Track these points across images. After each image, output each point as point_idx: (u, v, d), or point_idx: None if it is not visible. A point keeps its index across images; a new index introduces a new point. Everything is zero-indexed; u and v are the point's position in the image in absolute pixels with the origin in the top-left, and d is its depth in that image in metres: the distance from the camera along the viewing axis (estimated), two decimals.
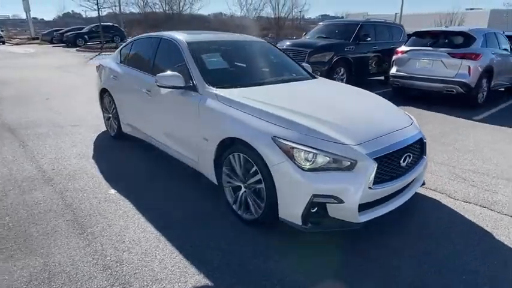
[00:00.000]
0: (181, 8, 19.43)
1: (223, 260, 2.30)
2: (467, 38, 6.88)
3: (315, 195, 2.23)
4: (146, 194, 3.21)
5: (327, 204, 2.27)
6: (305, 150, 2.27)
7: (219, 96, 2.89)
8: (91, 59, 17.45)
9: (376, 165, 2.30)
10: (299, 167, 2.26)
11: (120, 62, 4.47)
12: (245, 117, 2.59)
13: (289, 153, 2.29)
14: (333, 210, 2.29)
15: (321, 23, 10.32)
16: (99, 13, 25.23)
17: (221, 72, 3.44)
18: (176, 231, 2.62)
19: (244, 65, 3.71)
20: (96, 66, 5.19)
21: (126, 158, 4.13)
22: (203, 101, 2.94)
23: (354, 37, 8.79)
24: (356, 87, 3.63)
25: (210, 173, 3.00)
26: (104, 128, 5.18)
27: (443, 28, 7.78)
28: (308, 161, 2.27)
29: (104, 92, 4.72)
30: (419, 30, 7.70)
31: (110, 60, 4.79)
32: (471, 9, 46.76)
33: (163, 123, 3.52)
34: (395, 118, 2.90)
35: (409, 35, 8.18)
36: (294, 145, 2.29)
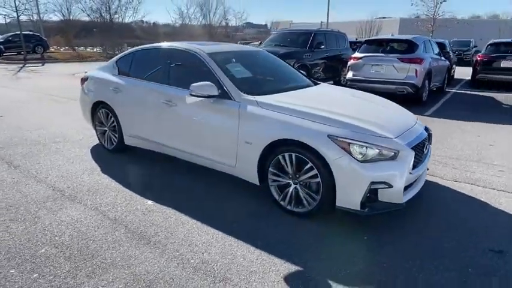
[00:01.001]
0: (112, 16, 18.56)
1: (296, 248, 2.55)
2: (411, 45, 7.99)
3: (372, 183, 2.62)
4: (183, 200, 3.28)
5: (379, 189, 2.67)
6: (359, 145, 2.64)
7: (260, 102, 3.14)
8: (18, 71, 15.94)
9: (414, 153, 2.77)
10: (356, 159, 2.62)
11: (119, 74, 4.39)
12: (295, 120, 2.89)
13: (346, 149, 2.64)
14: (383, 195, 2.70)
15: (273, 32, 10.93)
16: (18, 20, 22.90)
17: (248, 80, 3.66)
18: (239, 229, 2.79)
19: (262, 73, 3.97)
20: (82, 79, 4.98)
21: (139, 169, 4.10)
22: (243, 108, 3.15)
23: (310, 45, 9.52)
24: (359, 91, 4.13)
25: (251, 175, 3.21)
26: (93, 143, 5.00)
27: (390, 36, 8.88)
28: (362, 154, 2.65)
29: (97, 105, 4.57)
30: (370, 38, 8.66)
31: (101, 72, 4.65)
32: (383, 17, 52.39)
33: (189, 132, 3.61)
34: (407, 116, 3.44)
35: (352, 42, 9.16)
36: (350, 141, 2.65)
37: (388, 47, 8.21)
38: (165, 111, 3.76)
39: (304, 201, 2.91)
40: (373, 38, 8.71)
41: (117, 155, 4.50)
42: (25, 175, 3.87)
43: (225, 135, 3.29)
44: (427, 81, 8.10)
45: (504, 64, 10.52)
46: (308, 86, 3.97)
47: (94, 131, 4.87)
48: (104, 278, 2.23)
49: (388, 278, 2.25)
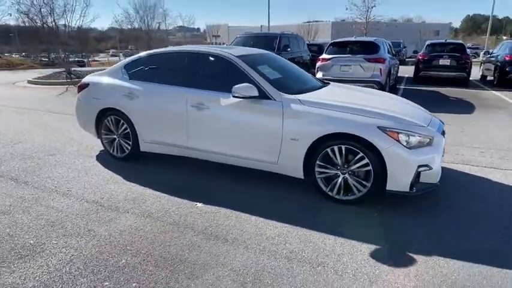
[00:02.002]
0: (56, 20, 16.83)
1: (358, 231, 2.81)
2: (374, 46, 8.77)
3: (419, 166, 2.99)
4: (230, 200, 3.35)
5: (421, 172, 3.05)
6: (405, 134, 3.00)
7: (303, 100, 3.35)
8: None
9: (444, 138, 3.21)
10: (404, 147, 2.97)
11: (131, 79, 4.26)
12: (343, 114, 3.15)
13: (395, 138, 2.98)
14: (424, 176, 3.08)
15: (239, 35, 11.09)
16: None
17: (280, 81, 3.81)
18: (299, 221, 2.95)
19: (284, 74, 4.15)
20: (79, 86, 4.71)
21: (164, 174, 4.02)
22: (287, 107, 3.33)
23: (277, 48, 9.89)
24: (367, 88, 4.54)
25: (295, 170, 3.40)
26: (93, 153, 4.77)
27: (353, 38, 9.60)
28: (407, 142, 3.00)
29: (104, 113, 4.37)
30: (335, 40, 9.31)
31: (107, 77, 4.46)
32: (316, 21, 55.45)
33: (224, 133, 3.67)
34: (422, 109, 3.90)
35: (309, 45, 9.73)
36: (397, 131, 2.99)
37: (354, 48, 8.90)
38: (194, 114, 3.77)
39: (354, 189, 3.19)
40: (338, 40, 9.37)
41: (129, 163, 4.34)
42: (43, 190, 3.59)
43: (268, 133, 3.43)
44: (388, 79, 8.96)
45: (442, 62, 11.99)
46: (324, 84, 4.26)
47: (85, 140, 4.66)
48: (207, 277, 2.27)
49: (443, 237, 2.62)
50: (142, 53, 4.44)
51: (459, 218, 3.04)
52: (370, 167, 3.07)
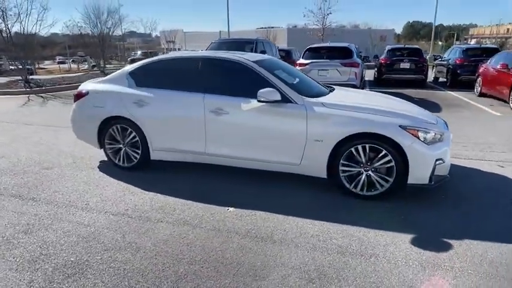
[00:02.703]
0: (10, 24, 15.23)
1: (396, 223, 3.02)
2: (348, 51, 9.26)
3: (436, 160, 3.27)
4: (258, 202, 3.41)
5: (437, 165, 3.34)
6: (423, 131, 3.27)
7: (325, 103, 3.51)
8: None
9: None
10: (423, 143, 3.24)
11: (138, 86, 4.15)
12: (365, 115, 3.35)
13: (415, 135, 3.24)
14: (438, 169, 3.37)
15: (214, 41, 11.11)
16: None
17: (297, 85, 3.92)
18: (332, 218, 3.10)
19: (296, 78, 4.27)
20: (76, 95, 4.49)
21: (179, 180, 3.96)
22: (310, 109, 3.47)
23: (255, 53, 10.06)
24: (372, 91, 4.82)
25: (319, 170, 3.54)
26: (93, 164, 4.57)
27: (328, 44, 10.02)
28: (424, 138, 3.27)
29: (109, 121, 4.21)
30: (311, 46, 9.68)
31: (109, 85, 4.30)
32: (272, 27, 56.72)
33: (245, 137, 3.71)
34: (421, 108, 4.24)
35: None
36: (416, 129, 3.25)
37: (330, 54, 9.32)
38: (213, 120, 3.77)
39: (377, 185, 3.40)
40: (314, 46, 9.75)
41: (137, 173, 4.20)
42: (57, 205, 3.38)
43: (292, 136, 3.54)
44: (360, 82, 9.49)
45: (402, 65, 12.89)
46: (332, 88, 4.43)
47: (77, 152, 4.47)
48: (272, 277, 2.32)
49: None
50: (149, 59, 4.35)
51: (473, 205, 3.37)
52: (392, 163, 3.29)
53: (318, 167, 3.54)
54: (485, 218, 3.13)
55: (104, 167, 4.47)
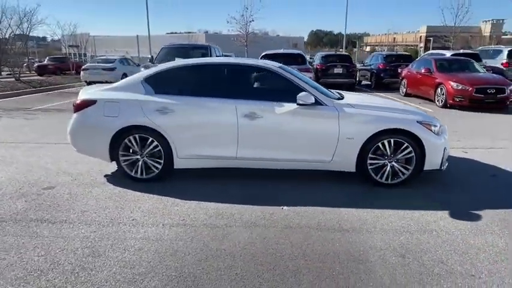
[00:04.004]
0: None
1: (425, 203, 3.56)
2: (302, 58, 9.96)
3: (444, 148, 3.93)
4: (306, 199, 3.65)
5: (444, 152, 4.01)
6: (433, 125, 3.90)
7: (353, 104, 3.92)
8: None
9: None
10: (435, 134, 3.87)
11: (157, 93, 4.00)
12: (389, 114, 3.86)
13: (429, 129, 3.85)
14: (444, 156, 4.05)
15: (165, 46, 10.79)
16: None
17: (320, 88, 4.22)
18: (385, 204, 3.51)
19: (312, 83, 4.55)
20: (79, 104, 4.11)
21: (210, 186, 3.94)
22: (341, 111, 3.84)
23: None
24: (372, 94, 5.37)
25: (349, 165, 3.93)
26: (101, 179, 4.24)
27: (282, 51, 10.55)
28: (435, 131, 3.91)
29: (124, 132, 3.96)
30: (267, 52, 10.11)
31: (122, 93, 4.04)
32: (189, 32, 56.28)
33: (280, 139, 3.89)
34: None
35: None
36: (429, 123, 3.87)
37: (285, 60, 9.84)
38: (246, 124, 3.87)
39: (400, 174, 3.93)
40: (270, 52, 10.20)
41: (158, 183, 4.03)
42: (101, 225, 3.12)
43: (325, 135, 3.86)
44: None
45: (336, 70, 14.23)
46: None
47: (71, 169, 4.18)
48: (373, 258, 2.60)
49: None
50: (165, 66, 4.21)
51: (468, 183, 4.13)
52: (412, 154, 3.85)
53: (348, 162, 3.93)
54: (484, 190, 3.89)
55: (114, 181, 4.16)
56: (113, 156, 4.10)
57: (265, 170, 4.21)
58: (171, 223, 3.16)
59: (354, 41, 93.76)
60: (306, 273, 2.45)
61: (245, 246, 2.78)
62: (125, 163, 4.09)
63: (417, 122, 3.85)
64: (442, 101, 9.32)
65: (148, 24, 31.20)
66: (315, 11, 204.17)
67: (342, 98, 4.24)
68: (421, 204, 3.52)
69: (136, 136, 3.99)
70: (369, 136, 3.81)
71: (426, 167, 3.91)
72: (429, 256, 2.65)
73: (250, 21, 30.69)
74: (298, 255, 2.67)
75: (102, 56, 19.50)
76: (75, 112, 4.15)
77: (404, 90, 11.92)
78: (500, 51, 14.00)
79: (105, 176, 4.35)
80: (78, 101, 4.14)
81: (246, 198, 3.68)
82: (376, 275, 2.43)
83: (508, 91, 8.65)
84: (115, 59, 15.93)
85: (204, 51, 10.33)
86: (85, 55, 44.16)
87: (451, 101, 9.01)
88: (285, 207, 3.48)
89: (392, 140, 3.84)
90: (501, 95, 8.62)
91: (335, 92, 4.61)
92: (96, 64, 15.46)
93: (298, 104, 3.76)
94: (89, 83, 15.75)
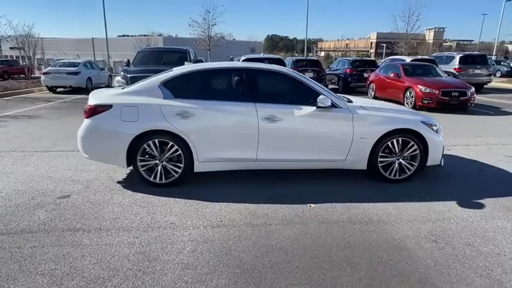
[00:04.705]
0: None
1: (433, 195, 3.94)
2: (282, 62, 10.25)
3: (443, 146, 4.36)
4: (325, 196, 3.87)
5: (443, 149, 4.44)
6: (433, 124, 4.32)
7: (364, 106, 4.22)
8: None
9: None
10: (436, 133, 4.28)
11: (176, 97, 4.01)
12: (396, 115, 4.22)
13: (431, 128, 4.25)
14: (443, 152, 4.48)
15: (141, 49, 10.53)
16: None
17: (331, 92, 4.45)
18: (399, 197, 3.83)
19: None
20: (91, 109, 4.00)
21: (239, 188, 4.03)
22: (354, 112, 4.12)
23: (194, 62, 10.01)
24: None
25: (361, 163, 4.22)
26: (112, 186, 4.16)
27: (262, 55, 10.76)
28: (435, 130, 4.32)
29: (143, 136, 3.93)
30: (249, 57, 10.28)
31: (140, 97, 3.99)
32: (144, 35, 54.81)
33: (299, 141, 4.07)
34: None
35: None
36: (430, 123, 4.28)
37: (268, 63, 10.11)
38: (267, 127, 4.00)
39: (406, 170, 4.29)
40: (251, 56, 10.39)
41: (177, 188, 4.04)
42: (140, 230, 3.10)
43: (340, 136, 4.11)
44: None
45: (307, 75, 14.71)
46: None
47: (77, 176, 4.11)
48: (411, 245, 2.88)
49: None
50: (182, 70, 4.21)
51: (461, 176, 4.60)
52: (417, 151, 4.23)
53: (361, 161, 4.22)
54: (477, 182, 4.37)
55: (130, 187, 4.09)
56: (130, 162, 4.04)
57: (277, 171, 4.38)
58: (211, 224, 3.22)
59: (308, 46, 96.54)
60: (358, 261, 2.66)
61: (293, 242, 2.93)
62: (143, 168, 4.04)
63: (421, 122, 4.24)
64: (411, 103, 10.09)
65: (105, 27, 29.91)
66: (270, 16, 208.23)
67: (350, 101, 4.53)
68: (429, 197, 3.89)
69: (156, 141, 3.97)
70: (380, 136, 4.13)
71: (429, 163, 4.32)
72: (457, 240, 2.98)
73: (212, 25, 30.68)
74: (345, 246, 2.87)
75: (62, 59, 18.37)
76: (88, 117, 4.03)
77: (373, 93, 12.68)
78: (452, 58, 15.41)
79: (118, 182, 4.26)
80: (90, 106, 4.03)
81: (270, 197, 3.82)
82: (420, 259, 2.70)
83: (469, 93, 9.60)
84: (79, 63, 15.13)
85: (182, 54, 10.24)
86: (29, 58, 41.13)
87: (419, 103, 9.79)
88: (312, 205, 3.67)
89: (400, 139, 4.19)
90: (463, 97, 9.55)
91: (342, 96, 4.92)
92: (59, 68, 14.58)
93: (318, 107, 3.99)
94: (51, 88, 14.87)
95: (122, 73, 8.84)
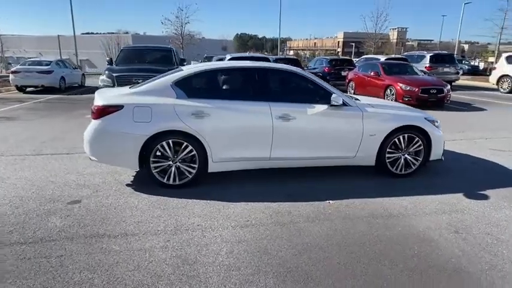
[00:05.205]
0: None
1: (439, 189, 4.15)
2: (267, 60, 10.25)
3: (444, 141, 4.59)
4: (341, 192, 3.96)
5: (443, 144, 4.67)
6: (435, 121, 4.53)
7: (372, 104, 4.35)
8: None
9: None
10: (438, 129, 4.50)
11: (190, 97, 3.93)
12: (403, 112, 4.39)
13: (434, 124, 4.46)
14: (443, 147, 4.71)
15: (124, 47, 10.17)
16: None
17: (340, 91, 4.54)
18: (408, 192, 3.99)
19: None
20: (100, 109, 3.84)
21: (253, 187, 4.03)
22: (364, 110, 4.24)
23: (176, 62, 9.79)
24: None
25: (370, 159, 4.35)
26: (122, 189, 4.03)
27: (248, 54, 10.70)
28: (437, 126, 4.54)
29: (157, 137, 3.83)
30: (234, 55, 10.22)
31: (153, 97, 3.88)
32: (112, 33, 53.01)
33: (312, 138, 4.13)
34: None
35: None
36: (432, 119, 4.49)
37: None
38: (281, 126, 4.03)
39: (411, 164, 4.47)
40: (237, 55, 10.35)
41: (190, 189, 3.97)
42: (168, 233, 3.03)
43: (351, 133, 4.22)
44: None
45: None
46: None
47: (81, 180, 3.98)
48: (434, 236, 3.02)
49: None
50: (194, 69, 4.13)
51: (466, 171, 4.86)
52: (422, 147, 4.43)
53: (370, 157, 4.35)
54: (473, 174, 4.65)
55: (142, 189, 3.96)
56: (141, 164, 3.92)
57: (288, 169, 4.42)
58: (239, 224, 3.21)
59: (277, 45, 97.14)
60: (393, 255, 2.76)
61: (325, 239, 2.98)
62: (156, 170, 3.94)
63: (425, 118, 4.44)
64: (391, 100, 10.49)
65: (73, 23, 28.63)
66: (239, 15, 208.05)
67: (357, 99, 4.66)
68: (435, 190, 4.08)
69: (170, 141, 3.88)
70: (388, 132, 4.28)
71: (431, 158, 4.52)
72: (476, 230, 3.16)
73: (185, 23, 30.20)
74: (375, 241, 2.96)
75: (32, 58, 17.35)
76: (96, 118, 3.86)
77: (353, 91, 13.03)
78: (423, 56, 16.15)
79: (128, 185, 4.12)
80: (98, 107, 3.86)
81: (288, 196, 3.85)
82: (448, 250, 2.84)
83: (446, 91, 10.13)
84: (51, 61, 14.32)
85: (167, 53, 10.00)
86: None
87: (400, 101, 10.18)
88: (330, 201, 3.74)
89: (406, 135, 4.37)
90: (441, 95, 10.06)
91: (349, 95, 5.05)
92: (29, 67, 13.74)
93: (331, 105, 4.06)
94: (20, 88, 14.01)
95: (106, 72, 8.50)
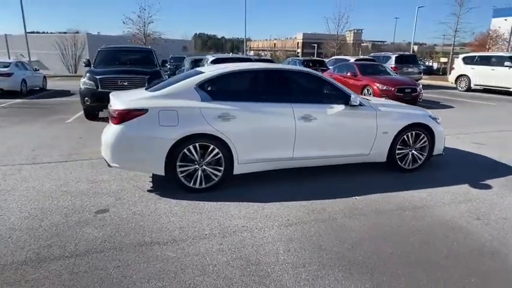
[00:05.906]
0: None
1: (444, 181, 4.49)
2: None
3: (444, 137, 4.97)
4: (363, 189, 4.16)
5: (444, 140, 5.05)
6: (437, 119, 4.89)
7: (384, 104, 4.61)
8: None
9: None
10: (440, 125, 4.86)
11: (214, 100, 3.93)
12: (410, 111, 4.70)
13: (437, 122, 4.82)
14: (444, 142, 5.09)
15: (101, 48, 9.68)
16: None
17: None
18: (422, 185, 4.29)
19: None
20: (122, 113, 3.72)
21: (275, 187, 4.10)
22: (377, 109, 4.48)
23: (158, 64, 9.56)
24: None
25: (383, 156, 4.61)
26: (150, 196, 3.95)
27: (231, 55, 10.66)
28: (439, 122, 4.90)
29: (183, 141, 3.78)
30: (220, 57, 10.16)
31: (179, 100, 3.83)
32: (64, 32, 50.22)
33: (331, 138, 4.30)
34: None
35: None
36: (435, 117, 4.84)
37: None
38: (303, 126, 4.15)
39: (418, 160, 4.79)
40: (221, 57, 10.25)
41: (215, 192, 3.97)
42: (216, 236, 3.04)
43: (366, 131, 4.45)
44: None
45: None
46: None
47: (93, 188, 3.90)
48: (459, 226, 3.30)
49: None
50: (217, 72, 4.11)
51: (461, 163, 5.28)
52: (427, 143, 4.76)
53: (382, 154, 4.61)
54: (468, 166, 5.08)
55: (168, 194, 3.89)
56: (170, 169, 3.85)
57: (300, 169, 4.54)
58: (282, 224, 3.28)
59: (237, 45, 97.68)
60: (435, 242, 2.98)
61: (368, 232, 3.14)
62: (182, 174, 3.88)
63: (429, 116, 4.79)
64: None
65: (24, 22, 26.73)
66: (197, 14, 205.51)
67: (369, 100, 4.91)
68: (442, 182, 4.42)
69: (197, 145, 3.85)
70: (400, 129, 4.56)
71: (434, 153, 4.88)
72: (493, 216, 3.50)
73: (148, 23, 29.32)
74: (413, 231, 3.18)
75: None
76: (118, 123, 3.73)
77: None
78: (389, 58, 17.09)
79: (150, 191, 4.02)
80: (120, 111, 3.73)
81: (314, 194, 3.97)
82: (479, 235, 3.12)
83: (418, 90, 10.84)
84: (9, 63, 13.27)
85: (148, 54, 9.70)
86: None
87: None
88: (357, 197, 3.93)
89: (414, 132, 4.68)
90: (414, 93, 10.75)
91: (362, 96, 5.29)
92: None
93: (350, 106, 4.25)
94: None
95: (88, 74, 8.09)
